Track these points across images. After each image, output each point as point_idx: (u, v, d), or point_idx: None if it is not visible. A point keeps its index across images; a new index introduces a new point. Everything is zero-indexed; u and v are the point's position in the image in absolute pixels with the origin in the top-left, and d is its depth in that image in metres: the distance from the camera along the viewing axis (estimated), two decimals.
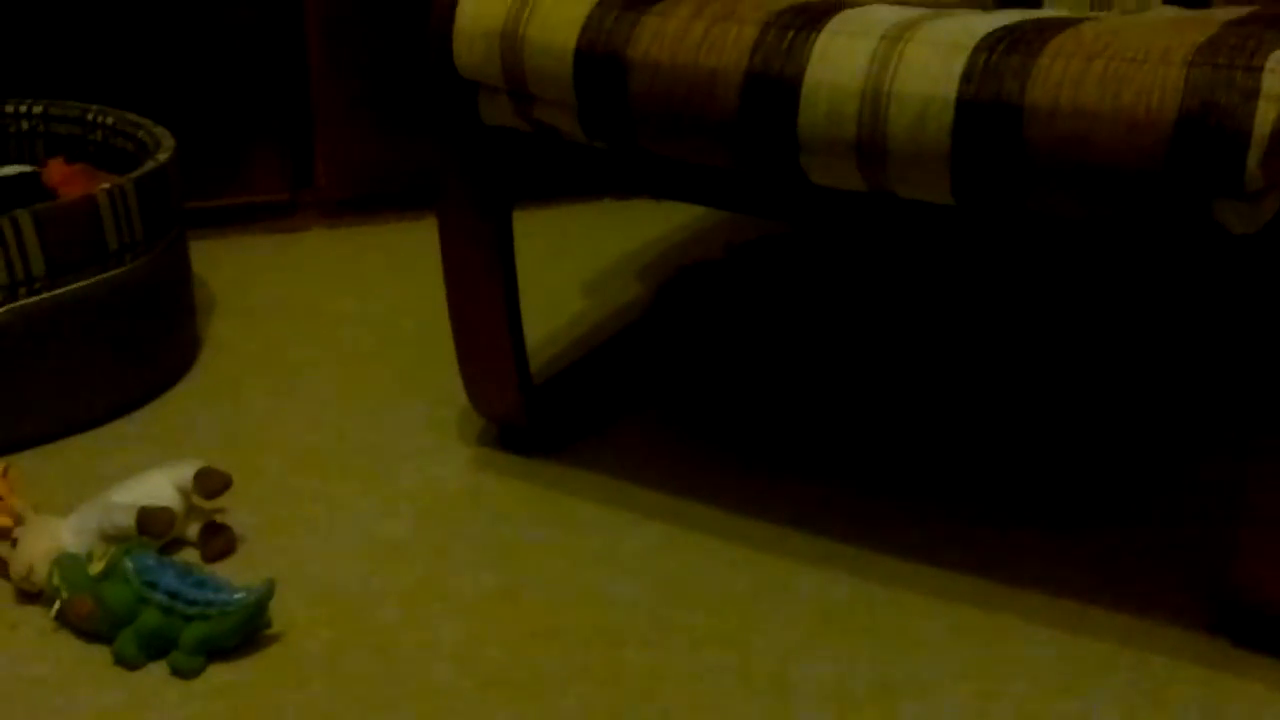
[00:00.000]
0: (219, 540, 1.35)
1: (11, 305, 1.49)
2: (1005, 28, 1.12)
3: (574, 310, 1.83)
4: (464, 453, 1.52)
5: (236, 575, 1.27)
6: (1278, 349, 1.10)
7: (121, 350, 1.59)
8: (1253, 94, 1.00)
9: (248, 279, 1.93)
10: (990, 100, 1.07)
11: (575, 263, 1.87)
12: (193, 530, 1.36)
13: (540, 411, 1.51)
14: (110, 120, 1.81)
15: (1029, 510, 1.40)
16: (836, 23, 1.15)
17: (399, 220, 2.10)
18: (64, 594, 1.24)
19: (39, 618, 1.26)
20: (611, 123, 1.24)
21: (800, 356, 1.71)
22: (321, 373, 1.70)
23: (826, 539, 1.36)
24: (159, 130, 1.73)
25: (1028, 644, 1.22)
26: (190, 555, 1.34)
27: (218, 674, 1.20)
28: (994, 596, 1.28)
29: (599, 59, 1.22)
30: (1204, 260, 1.11)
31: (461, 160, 1.38)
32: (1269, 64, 1.01)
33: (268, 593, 1.22)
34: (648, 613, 1.27)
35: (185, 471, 1.36)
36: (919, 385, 1.64)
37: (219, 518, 1.38)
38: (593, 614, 1.27)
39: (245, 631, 1.22)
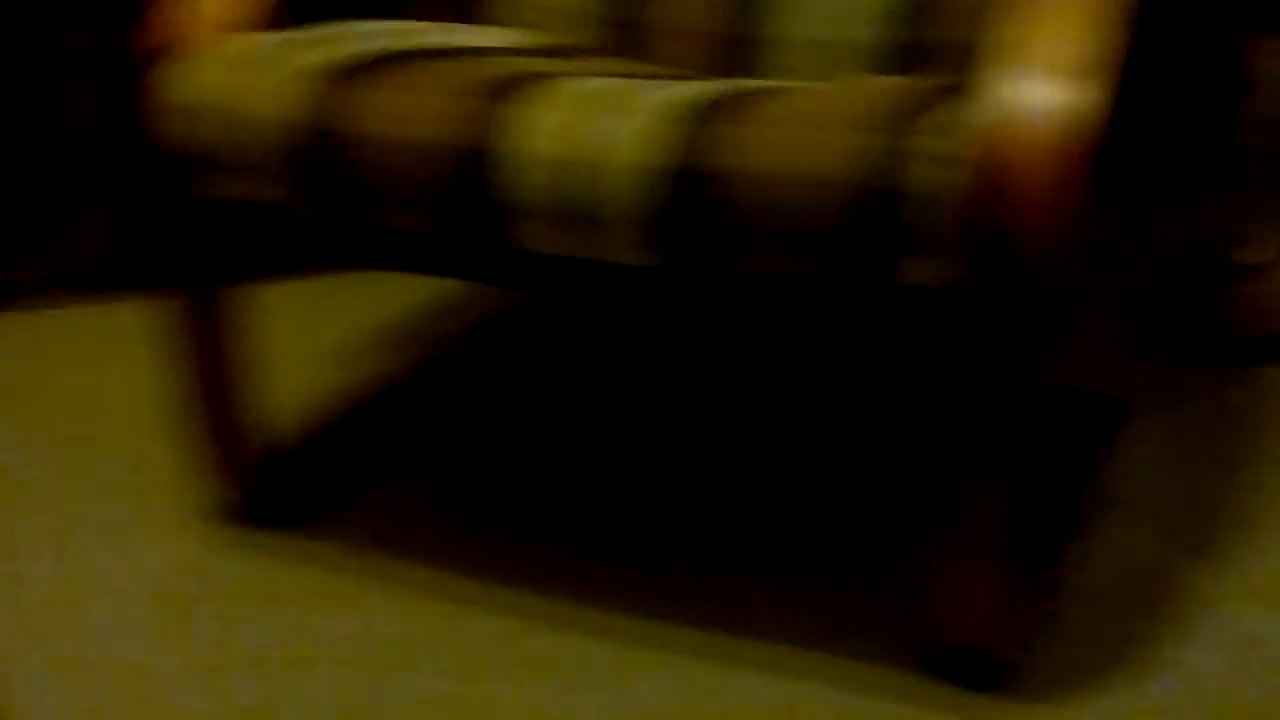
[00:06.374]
0: None
1: None
2: (709, 97, 1.17)
3: (324, 382, 1.82)
4: (193, 530, 1.50)
5: None
6: (961, 401, 1.15)
7: None
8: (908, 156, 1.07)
9: None
10: (686, 169, 1.12)
11: (322, 335, 1.86)
12: None
13: (277, 485, 1.50)
14: None
15: (756, 564, 1.44)
16: (531, 93, 1.19)
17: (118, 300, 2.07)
18: None
19: None
20: (328, 195, 1.25)
21: (551, 424, 1.73)
22: (37, 460, 1.66)
23: (561, 600, 1.39)
24: None
25: (752, 694, 1.26)
26: None
27: None
28: (716, 648, 1.32)
29: (313, 132, 1.23)
30: (902, 317, 1.16)
31: (175, 236, 1.37)
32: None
33: None
34: (371, 682, 1.28)
35: None
36: (657, 445, 1.67)
37: None
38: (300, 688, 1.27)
39: None
